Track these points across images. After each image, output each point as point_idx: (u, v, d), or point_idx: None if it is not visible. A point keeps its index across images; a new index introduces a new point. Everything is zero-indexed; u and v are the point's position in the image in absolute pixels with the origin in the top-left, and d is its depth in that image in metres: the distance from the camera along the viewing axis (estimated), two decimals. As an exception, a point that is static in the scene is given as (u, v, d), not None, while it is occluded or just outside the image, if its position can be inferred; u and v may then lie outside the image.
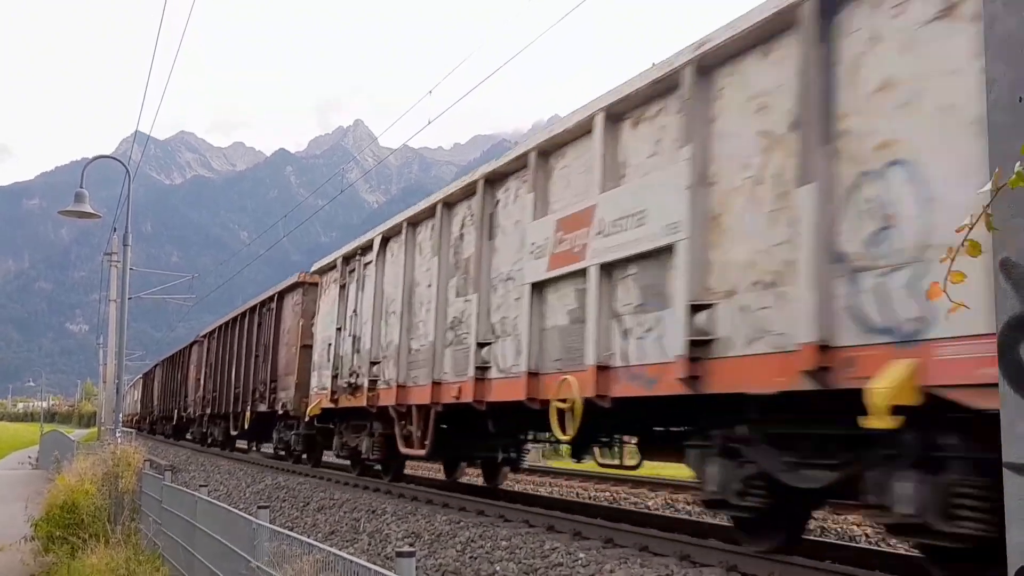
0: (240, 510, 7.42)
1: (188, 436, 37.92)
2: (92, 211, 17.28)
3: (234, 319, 26.90)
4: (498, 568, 8.09)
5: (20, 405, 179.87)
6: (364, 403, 14.02)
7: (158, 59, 19.25)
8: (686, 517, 11.96)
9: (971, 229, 2.03)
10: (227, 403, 26.49)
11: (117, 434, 17.03)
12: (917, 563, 7.56)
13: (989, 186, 2.02)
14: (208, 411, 30.24)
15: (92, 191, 17.34)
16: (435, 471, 19.06)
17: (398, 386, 12.71)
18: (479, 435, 12.38)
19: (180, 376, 38.09)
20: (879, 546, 9.58)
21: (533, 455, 25.39)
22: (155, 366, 49.96)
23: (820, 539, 9.87)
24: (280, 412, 20.34)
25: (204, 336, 32.35)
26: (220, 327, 28.99)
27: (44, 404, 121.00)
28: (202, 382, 31.37)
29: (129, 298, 19.81)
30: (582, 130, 8.86)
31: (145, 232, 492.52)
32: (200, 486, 10.17)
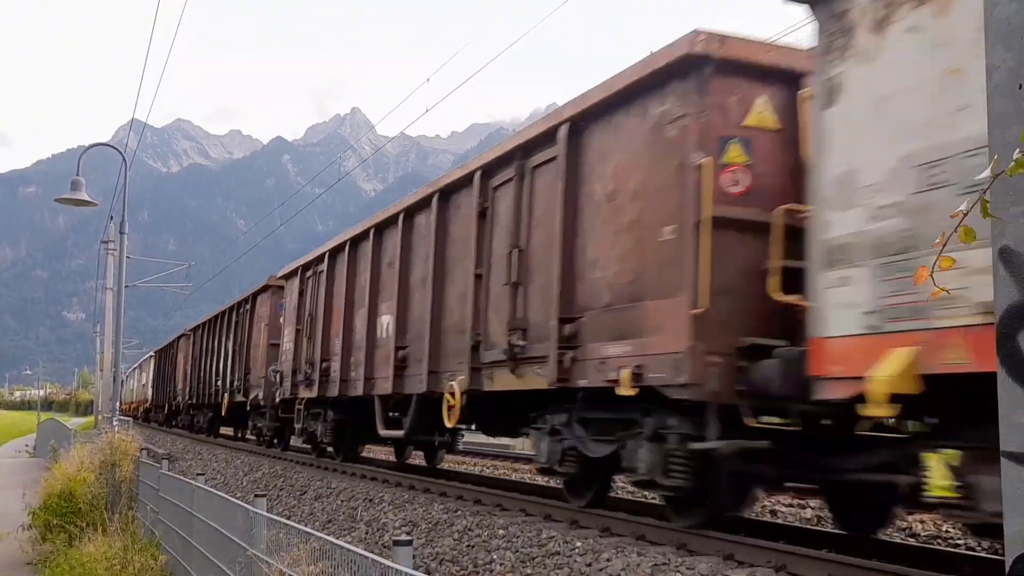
0: (237, 499, 7.43)
1: (250, 435, 26.19)
2: (89, 199, 17.26)
3: (376, 228, 14.63)
4: (495, 556, 8.10)
5: (17, 394, 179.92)
6: None
7: (155, 46, 19.17)
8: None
9: (966, 215, 2.02)
10: (360, 379, 14.53)
11: (115, 423, 17.04)
12: (908, 554, 7.58)
13: (987, 172, 2.01)
14: (305, 393, 17.57)
15: (89, 179, 17.31)
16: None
17: None
18: None
19: (232, 344, 26.37)
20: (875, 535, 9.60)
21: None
22: (178, 338, 39.32)
23: (816, 528, 9.89)
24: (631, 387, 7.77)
25: (292, 274, 19.69)
26: (332, 252, 16.76)
27: (41, 392, 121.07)
28: (291, 347, 18.88)
29: (126, 286, 19.79)
30: None
31: (142, 220, 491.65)
32: (197, 474, 10.19)
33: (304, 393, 17.73)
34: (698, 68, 7.49)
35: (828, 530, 9.63)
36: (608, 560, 7.08)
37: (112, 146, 21.28)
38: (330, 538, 4.73)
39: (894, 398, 5.41)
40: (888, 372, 5.45)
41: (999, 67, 2.06)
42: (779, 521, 10.49)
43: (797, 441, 7.45)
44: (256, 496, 6.44)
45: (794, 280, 6.79)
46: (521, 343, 9.64)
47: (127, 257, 19.50)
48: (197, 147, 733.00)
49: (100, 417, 28.16)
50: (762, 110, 7.57)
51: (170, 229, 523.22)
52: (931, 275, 2.13)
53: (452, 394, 10.96)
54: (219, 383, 27.96)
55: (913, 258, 5.56)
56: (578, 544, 7.71)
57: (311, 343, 17.56)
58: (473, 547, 8.60)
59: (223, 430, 31.80)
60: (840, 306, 6.07)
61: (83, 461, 14.23)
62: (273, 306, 22.13)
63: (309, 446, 18.78)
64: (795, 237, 6.84)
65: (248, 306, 24.92)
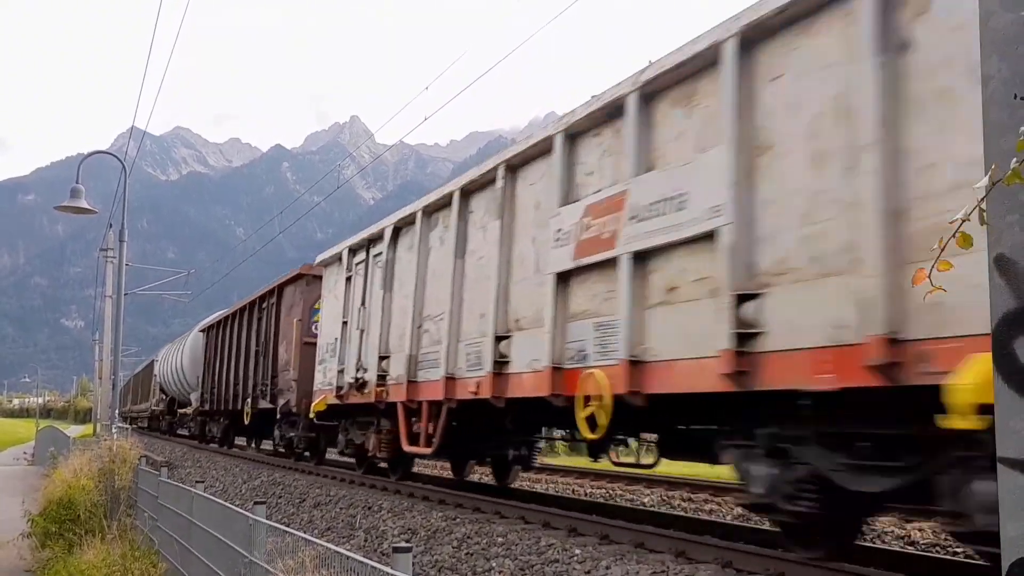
0: (236, 506, 7.42)
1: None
2: (88, 206, 17.25)
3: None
4: (494, 564, 8.10)
5: (16, 401, 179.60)
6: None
7: (154, 54, 19.23)
8: (681, 514, 11.98)
9: (964, 222, 2.04)
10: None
11: (113, 430, 17.02)
12: (906, 561, 7.59)
13: (985, 181, 2.02)
14: (204, 407, 30.82)
15: (88, 187, 17.32)
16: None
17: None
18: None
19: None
20: (874, 543, 9.60)
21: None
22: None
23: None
24: None
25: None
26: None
27: (40, 400, 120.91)
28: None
29: (125, 294, 19.78)
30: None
31: (141, 228, 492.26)
32: (196, 482, 10.18)
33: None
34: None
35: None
36: (607, 568, 7.08)
37: (112, 154, 21.26)
38: (330, 545, 4.74)
39: None
40: None
41: (994, 77, 2.08)
42: (777, 529, 10.48)
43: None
44: (256, 503, 6.44)
45: None
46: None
47: (126, 265, 19.50)
48: (196, 155, 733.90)
49: (99, 425, 28.17)
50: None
51: (169, 237, 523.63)
52: (929, 278, 2.17)
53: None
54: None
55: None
56: (577, 551, 7.72)
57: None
58: (472, 555, 8.60)
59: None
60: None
61: (82, 468, 14.21)
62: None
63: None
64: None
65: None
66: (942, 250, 2.11)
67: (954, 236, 2.06)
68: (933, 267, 2.17)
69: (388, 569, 3.79)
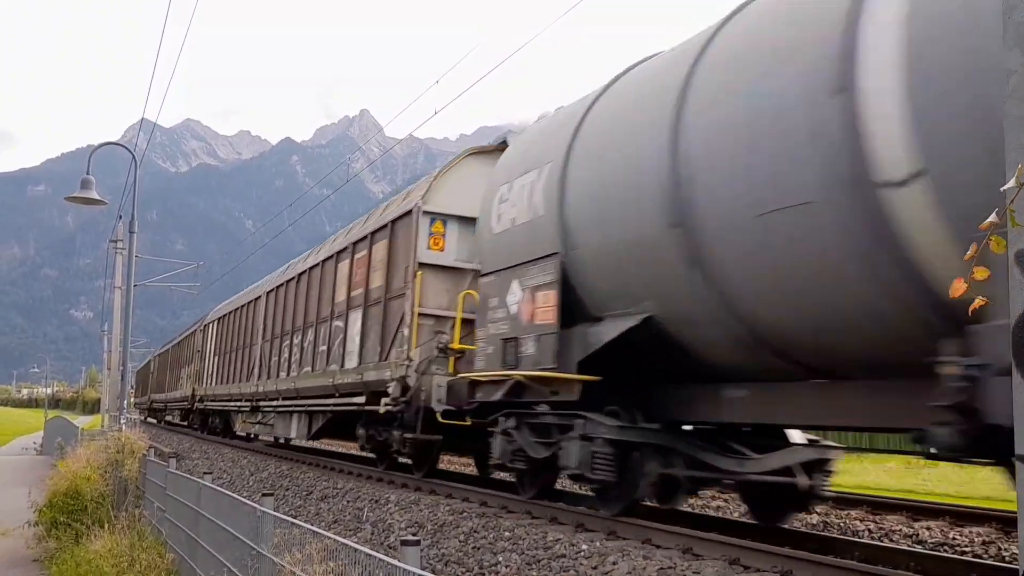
0: (244, 498, 7.43)
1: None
2: (98, 198, 17.29)
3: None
4: (501, 559, 8.09)
5: (24, 391, 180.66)
6: None
7: (165, 46, 19.21)
8: (688, 510, 11.96)
9: (996, 226, 2.00)
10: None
11: (121, 421, 17.08)
12: (915, 559, 7.56)
13: (1012, 182, 1.98)
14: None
15: (98, 178, 17.37)
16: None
17: None
18: None
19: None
20: (882, 541, 9.58)
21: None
22: None
23: (823, 534, 9.87)
24: None
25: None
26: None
27: (48, 390, 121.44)
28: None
29: (134, 286, 19.84)
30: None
31: (150, 220, 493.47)
32: (204, 473, 10.19)
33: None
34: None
35: (833, 535, 9.61)
36: (614, 563, 7.06)
37: (122, 145, 21.28)
38: (338, 537, 4.73)
39: None
40: None
41: (1016, 71, 2.05)
42: (785, 526, 10.46)
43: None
44: (263, 495, 6.45)
45: None
46: None
47: (135, 256, 19.55)
48: (206, 147, 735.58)
49: (107, 415, 28.26)
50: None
51: (178, 229, 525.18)
52: (968, 284, 2.13)
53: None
54: None
55: None
56: (584, 547, 7.70)
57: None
58: (479, 549, 8.59)
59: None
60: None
61: (90, 459, 14.27)
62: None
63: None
64: None
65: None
66: (976, 256, 2.06)
67: (987, 241, 2.01)
68: (970, 275, 2.12)
69: (397, 562, 3.78)
